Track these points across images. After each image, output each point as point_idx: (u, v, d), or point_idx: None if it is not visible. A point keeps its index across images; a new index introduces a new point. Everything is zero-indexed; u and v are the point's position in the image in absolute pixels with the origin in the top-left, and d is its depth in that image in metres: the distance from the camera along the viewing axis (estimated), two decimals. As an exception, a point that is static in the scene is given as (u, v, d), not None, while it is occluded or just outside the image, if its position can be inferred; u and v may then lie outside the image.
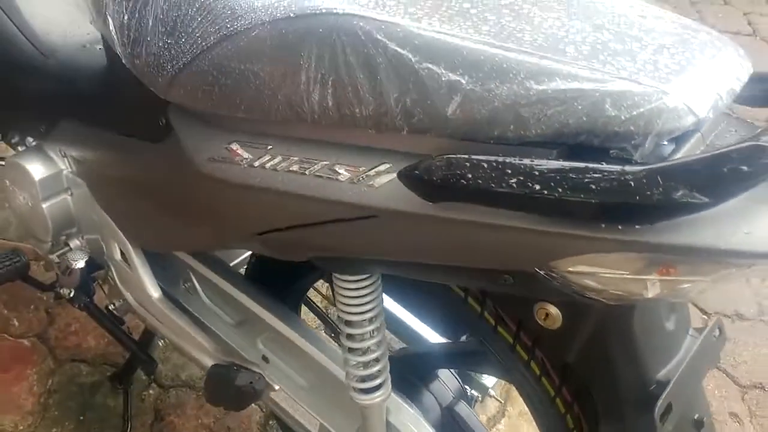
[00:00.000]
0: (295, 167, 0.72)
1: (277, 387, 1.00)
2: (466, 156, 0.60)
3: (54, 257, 1.23)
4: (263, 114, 0.73)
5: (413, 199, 0.64)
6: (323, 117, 0.69)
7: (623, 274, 0.61)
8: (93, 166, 1.10)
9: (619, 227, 0.57)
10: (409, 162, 0.64)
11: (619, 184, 0.55)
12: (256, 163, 0.75)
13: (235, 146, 0.77)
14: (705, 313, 1.87)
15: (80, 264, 1.16)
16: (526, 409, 0.91)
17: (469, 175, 0.59)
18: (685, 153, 0.60)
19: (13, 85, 1.18)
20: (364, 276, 0.83)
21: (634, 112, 0.57)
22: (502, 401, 1.36)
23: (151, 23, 0.81)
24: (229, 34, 0.73)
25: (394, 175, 0.66)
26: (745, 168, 0.54)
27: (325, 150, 0.71)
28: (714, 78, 0.61)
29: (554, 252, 0.62)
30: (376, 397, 0.91)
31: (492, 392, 1.13)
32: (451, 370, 1.07)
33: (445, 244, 0.66)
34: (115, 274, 1.15)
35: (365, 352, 0.88)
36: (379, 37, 0.64)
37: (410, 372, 1.02)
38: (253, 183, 0.75)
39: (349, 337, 0.88)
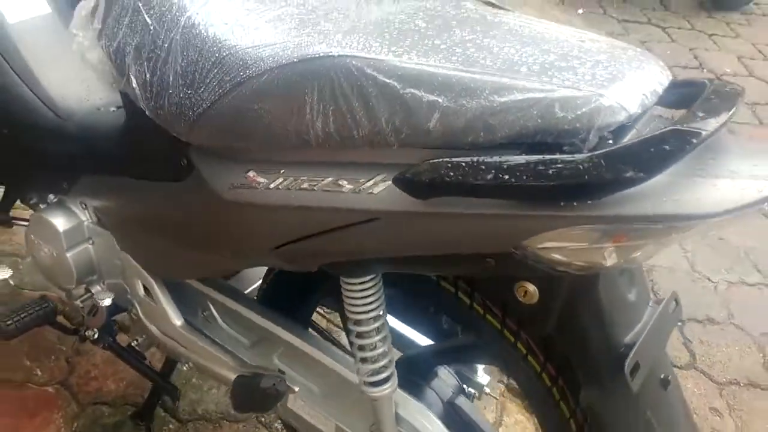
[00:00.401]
0: (305, 185, 0.86)
1: (296, 389, 1.12)
2: (447, 159, 0.74)
3: (78, 302, 1.35)
4: (275, 144, 0.87)
5: (407, 199, 0.78)
6: (326, 141, 0.83)
7: (583, 245, 0.75)
8: (115, 213, 1.22)
9: (575, 204, 0.71)
10: (400, 170, 0.78)
11: (571, 169, 0.70)
12: (272, 186, 0.89)
13: (252, 174, 0.91)
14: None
15: (107, 302, 1.28)
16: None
17: (451, 174, 0.74)
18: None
19: (34, 149, 1.31)
20: (368, 278, 0.96)
21: (578, 112, 0.72)
22: (498, 398, 1.47)
23: (171, 78, 0.95)
24: (242, 81, 0.88)
25: (390, 182, 0.80)
26: (667, 147, 0.69)
27: (329, 168, 0.85)
28: (639, 83, 0.76)
29: (525, 232, 0.75)
30: (385, 389, 1.03)
31: (487, 389, 1.25)
32: (449, 368, 1.19)
33: (436, 236, 0.80)
34: (139, 310, 1.26)
35: (373, 347, 1.01)
36: (369, 71, 0.79)
37: (411, 372, 1.14)
38: (270, 202, 0.89)
39: (358, 335, 1.01)
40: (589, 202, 0.71)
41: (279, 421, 1.58)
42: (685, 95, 0.81)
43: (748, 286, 2.15)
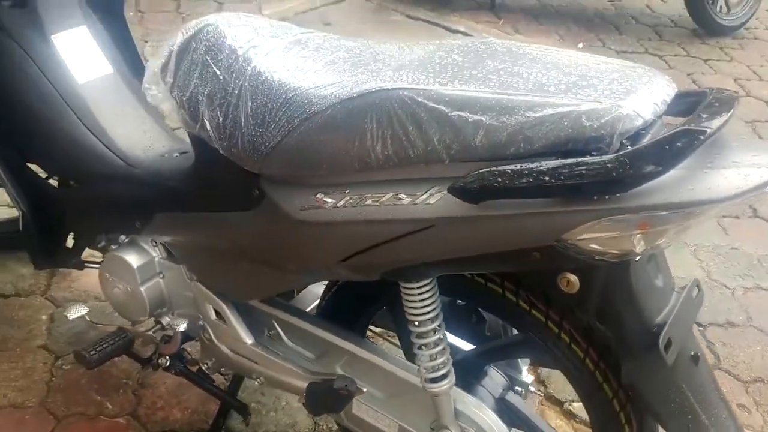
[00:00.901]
0: (369, 201, 1.00)
1: (365, 389, 1.23)
2: (495, 167, 0.88)
3: (150, 333, 1.48)
4: (340, 169, 1.01)
5: (461, 205, 0.92)
6: (386, 162, 0.97)
7: (615, 234, 0.88)
8: (188, 245, 1.36)
9: (606, 197, 0.85)
10: (452, 182, 0.92)
11: (600, 168, 0.84)
12: (339, 204, 1.03)
13: (320, 196, 1.05)
14: (700, 324, 2.11)
15: (182, 327, 1.41)
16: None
17: (499, 179, 0.88)
18: (641, 146, 0.89)
19: (107, 196, 1.46)
20: (426, 281, 1.09)
21: (602, 121, 0.86)
22: (537, 405, 1.57)
23: (243, 120, 1.10)
24: (308, 116, 1.02)
25: (444, 192, 0.94)
26: (679, 144, 0.83)
27: (389, 185, 0.99)
28: (651, 94, 0.90)
29: (565, 226, 0.89)
30: (444, 384, 1.15)
31: (532, 388, 1.36)
32: (496, 368, 1.31)
33: (488, 235, 0.93)
34: (211, 333, 1.39)
35: (432, 346, 1.13)
36: (419, 99, 0.94)
37: (463, 373, 1.25)
38: (337, 219, 1.03)
39: (419, 335, 1.13)
40: (617, 195, 0.85)
41: (335, 437, 1.69)
42: (689, 103, 0.95)
43: (764, 290, 2.26)
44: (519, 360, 1.34)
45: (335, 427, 1.71)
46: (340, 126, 1.00)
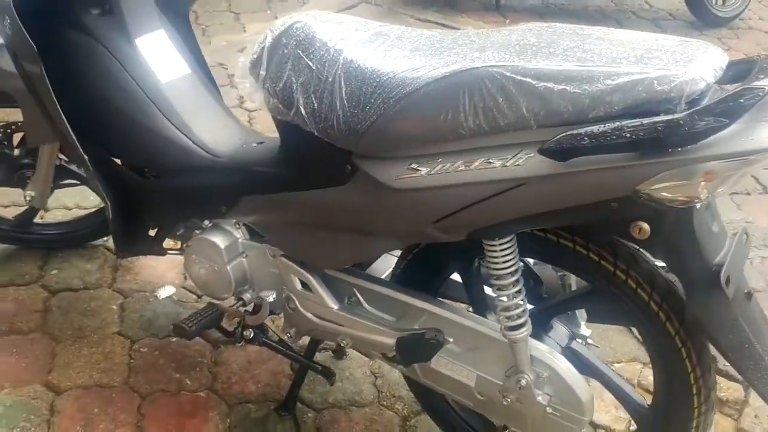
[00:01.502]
0: (461, 167, 1.15)
1: (450, 339, 1.37)
2: (580, 129, 1.03)
3: (236, 308, 1.61)
4: (433, 140, 1.16)
5: (551, 163, 1.06)
6: (477, 131, 1.12)
7: (685, 182, 1.03)
8: (274, 223, 1.50)
9: (679, 149, 1.00)
10: (539, 146, 1.07)
11: (674, 123, 0.98)
12: (433, 171, 1.17)
13: (414, 165, 1.19)
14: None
15: (271, 297, 1.54)
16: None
17: (585, 138, 1.02)
18: (704, 105, 1.04)
19: (193, 185, 1.59)
20: (508, 238, 1.24)
21: (672, 85, 1.01)
22: (598, 346, 1.70)
23: (338, 104, 1.24)
24: (403, 96, 1.17)
25: (532, 154, 1.08)
26: (741, 101, 0.98)
27: (480, 152, 1.13)
28: (709, 62, 1.05)
29: (641, 177, 1.04)
30: (523, 332, 1.29)
31: (590, 340, 1.50)
32: (560, 322, 1.45)
33: (574, 189, 1.08)
34: (297, 303, 1.52)
35: (513, 296, 1.28)
36: (508, 74, 1.08)
37: (533, 325, 1.39)
38: (432, 184, 1.17)
39: (500, 288, 1.28)
40: (689, 147, 1.00)
41: (400, 403, 1.82)
42: (741, 70, 1.10)
43: (780, 258, 2.43)
44: (578, 316, 1.48)
45: (398, 393, 1.85)
46: (434, 102, 1.14)
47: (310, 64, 1.28)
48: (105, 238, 2.27)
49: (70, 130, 1.56)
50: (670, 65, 1.04)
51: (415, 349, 1.36)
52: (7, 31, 1.56)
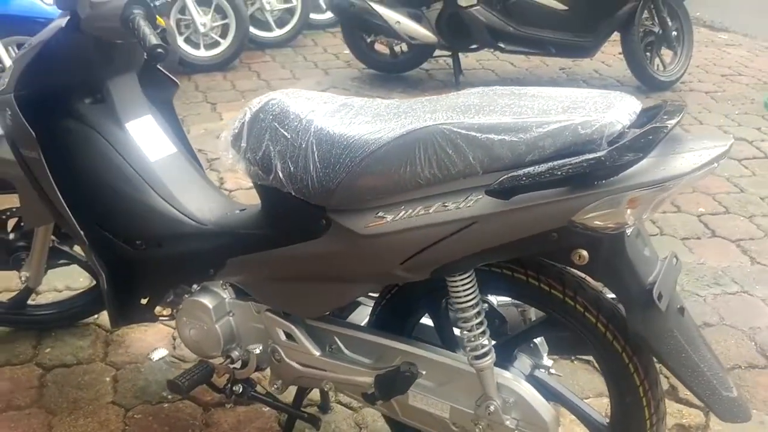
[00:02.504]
0: (421, 212, 1.31)
1: (424, 372, 1.50)
2: (519, 171, 1.20)
3: (225, 365, 1.73)
4: (396, 190, 1.33)
5: (496, 202, 1.24)
6: (432, 180, 1.29)
7: (612, 210, 1.20)
8: (258, 279, 1.64)
9: (603, 182, 1.18)
10: (486, 188, 1.24)
11: (596, 161, 1.17)
12: (397, 218, 1.33)
13: (381, 213, 1.36)
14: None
15: (257, 350, 1.66)
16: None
17: (524, 179, 1.20)
18: (621, 145, 1.23)
19: (182, 251, 1.74)
20: (467, 274, 1.39)
21: (593, 128, 1.20)
22: (561, 375, 1.82)
23: (311, 166, 1.41)
24: (367, 154, 1.34)
25: (481, 196, 1.25)
26: (651, 137, 1.16)
27: (436, 198, 1.31)
28: (624, 108, 1.25)
29: (575, 208, 1.21)
30: (487, 359, 1.43)
31: (552, 370, 1.64)
32: (523, 353, 1.59)
33: (518, 223, 1.25)
34: (282, 353, 1.64)
35: (476, 327, 1.42)
36: (455, 129, 1.27)
37: (497, 358, 1.53)
38: (397, 228, 1.34)
39: (464, 320, 1.42)
40: (611, 179, 1.18)
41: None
42: (651, 115, 1.29)
43: (730, 295, 2.59)
44: (540, 349, 1.62)
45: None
46: (394, 158, 1.32)
47: (286, 134, 1.46)
48: (96, 316, 2.39)
49: (67, 209, 1.71)
50: (591, 112, 1.23)
51: (391, 383, 1.48)
52: (7, 122, 1.73)
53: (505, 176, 1.22)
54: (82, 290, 2.41)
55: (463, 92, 1.44)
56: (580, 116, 1.23)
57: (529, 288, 1.42)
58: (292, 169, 1.44)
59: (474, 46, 4.79)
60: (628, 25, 4.46)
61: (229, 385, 1.76)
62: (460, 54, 4.88)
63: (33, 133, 1.66)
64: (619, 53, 4.82)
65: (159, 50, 1.48)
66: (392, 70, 5.11)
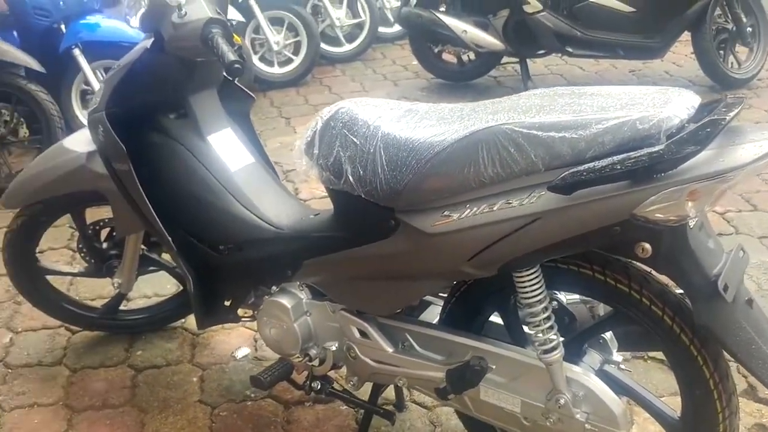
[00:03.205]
0: (486, 210, 1.37)
1: (494, 366, 1.54)
2: (581, 167, 1.25)
3: (302, 363, 1.82)
4: (461, 190, 1.39)
5: (558, 198, 1.28)
6: (496, 179, 1.35)
7: (672, 203, 1.23)
8: (333, 280, 1.72)
9: (662, 175, 1.21)
10: (548, 185, 1.29)
11: (657, 154, 1.20)
12: (463, 216, 1.39)
13: (447, 213, 1.42)
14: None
15: (333, 347, 1.75)
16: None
17: (584, 174, 1.24)
18: (681, 139, 1.25)
19: (262, 255, 1.84)
20: (534, 269, 1.44)
21: (651, 123, 1.23)
22: (631, 371, 1.83)
23: (379, 169, 1.48)
24: (432, 156, 1.41)
25: (543, 192, 1.30)
26: (709, 130, 1.19)
27: (500, 196, 1.36)
28: (682, 103, 1.27)
29: (636, 202, 1.24)
30: (556, 354, 1.47)
31: (622, 366, 1.65)
32: (593, 349, 1.61)
33: (580, 218, 1.29)
34: (357, 350, 1.72)
35: (544, 322, 1.46)
36: (517, 129, 1.32)
37: (566, 354, 1.56)
38: (462, 226, 1.39)
39: (532, 315, 1.46)
40: (670, 172, 1.21)
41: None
42: (710, 109, 1.31)
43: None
44: (609, 345, 1.64)
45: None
46: (458, 158, 1.38)
47: (355, 140, 1.54)
48: (182, 320, 2.53)
49: (156, 217, 1.84)
50: (649, 108, 1.26)
51: (462, 377, 1.53)
52: (100, 138, 1.87)
53: (567, 172, 1.26)
54: (169, 296, 2.56)
55: (523, 94, 1.49)
56: (638, 112, 1.26)
57: (596, 283, 1.45)
58: (361, 172, 1.52)
59: (541, 52, 4.80)
60: (699, 23, 4.38)
61: (308, 381, 1.84)
62: (528, 60, 4.89)
63: (124, 148, 1.80)
64: (691, 53, 4.73)
65: (236, 65, 1.59)
66: (460, 79, 5.16)
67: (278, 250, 1.81)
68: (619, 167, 1.22)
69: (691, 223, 1.31)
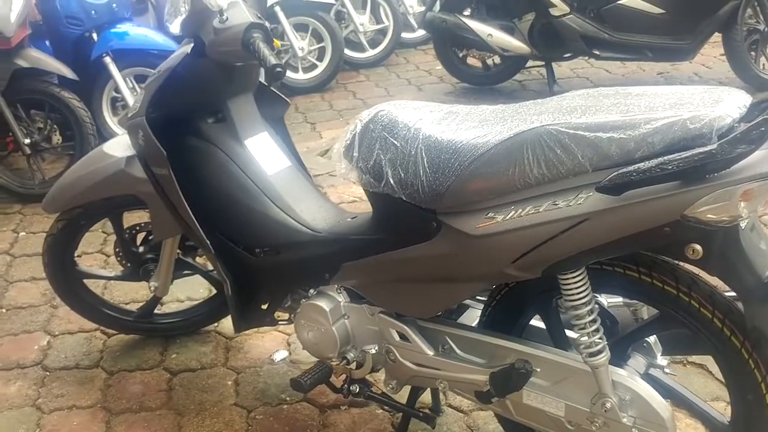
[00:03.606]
0: (531, 211, 1.36)
1: (538, 369, 1.53)
2: (630, 167, 1.23)
3: (341, 366, 1.81)
4: (505, 191, 1.37)
5: (607, 198, 1.27)
6: (541, 180, 1.33)
7: (725, 203, 1.21)
8: (372, 282, 1.71)
9: (715, 175, 1.19)
10: (595, 186, 1.27)
11: (708, 154, 1.18)
12: (507, 217, 1.38)
13: (491, 214, 1.41)
14: None
15: (373, 350, 1.74)
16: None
17: (634, 174, 1.22)
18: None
19: (299, 258, 1.84)
20: (579, 271, 1.42)
21: (702, 123, 1.21)
22: (675, 375, 1.81)
23: (421, 171, 1.48)
24: (476, 158, 1.40)
25: (591, 193, 1.29)
26: (762, 129, 1.17)
27: (546, 197, 1.34)
28: (733, 102, 1.26)
29: (687, 202, 1.22)
30: (602, 357, 1.45)
31: (667, 370, 1.63)
32: (637, 353, 1.59)
33: (630, 219, 1.27)
34: (396, 353, 1.71)
35: (590, 325, 1.44)
36: (563, 129, 1.31)
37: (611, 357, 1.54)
38: (508, 228, 1.38)
39: (578, 318, 1.45)
40: (723, 172, 1.19)
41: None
42: (762, 108, 1.29)
43: None
44: (654, 348, 1.62)
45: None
46: (503, 160, 1.37)
47: (395, 142, 1.53)
48: (215, 324, 2.53)
49: (195, 220, 1.85)
50: (699, 107, 1.25)
51: (507, 380, 1.52)
52: (140, 142, 1.89)
53: (616, 173, 1.25)
54: (203, 300, 2.57)
55: (566, 94, 1.48)
56: (688, 111, 1.24)
57: (642, 285, 1.44)
58: (402, 175, 1.51)
59: (568, 55, 4.77)
60: (729, 24, 4.33)
61: (346, 385, 1.84)
62: (553, 63, 4.87)
63: (164, 152, 1.81)
64: (721, 54, 4.68)
65: (278, 69, 1.60)
66: (485, 83, 5.15)
67: (316, 253, 1.81)
68: (670, 167, 1.20)
69: (743, 224, 1.29)
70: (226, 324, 2.53)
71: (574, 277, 1.43)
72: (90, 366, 2.40)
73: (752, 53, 4.49)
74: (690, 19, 4.32)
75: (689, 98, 1.29)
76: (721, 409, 2.04)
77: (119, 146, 2.05)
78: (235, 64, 1.85)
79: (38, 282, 2.89)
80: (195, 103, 1.91)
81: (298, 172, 1.99)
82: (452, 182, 1.44)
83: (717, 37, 4.50)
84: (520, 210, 1.38)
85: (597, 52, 4.54)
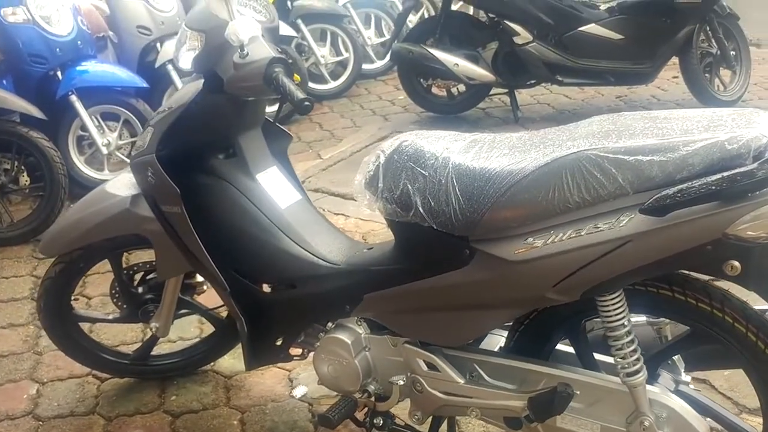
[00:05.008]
0: (573, 234, 1.37)
1: (578, 392, 1.54)
2: (673, 188, 1.26)
3: (363, 399, 1.79)
4: (545, 216, 1.39)
5: (651, 219, 1.29)
6: (582, 204, 1.36)
7: (764, 220, 1.25)
8: (396, 313, 1.70)
9: (757, 193, 1.23)
10: (637, 208, 1.30)
11: (748, 173, 1.22)
12: (548, 242, 1.40)
13: (530, 239, 1.42)
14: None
15: (401, 381, 1.72)
16: None
17: (678, 196, 1.26)
18: (767, 158, 1.28)
19: (320, 292, 1.81)
20: (618, 293, 1.44)
21: (740, 143, 1.26)
22: (699, 389, 1.84)
23: (453, 200, 1.48)
24: (513, 184, 1.41)
25: (634, 215, 1.31)
26: (802, 149, 1.22)
27: (587, 220, 1.37)
28: (765, 123, 1.30)
29: (728, 221, 1.26)
30: (640, 375, 1.47)
31: (691, 386, 1.66)
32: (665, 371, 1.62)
33: (674, 239, 1.30)
34: (424, 383, 1.70)
35: (629, 345, 1.46)
36: (602, 154, 1.34)
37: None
38: (548, 252, 1.40)
39: (616, 339, 1.47)
40: (765, 190, 1.23)
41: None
42: None
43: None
44: (678, 365, 1.65)
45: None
46: (541, 185, 1.39)
47: (423, 172, 1.54)
48: (212, 363, 2.47)
49: (209, 257, 1.81)
50: (735, 129, 1.29)
51: (549, 404, 1.52)
52: (149, 180, 1.85)
53: (659, 194, 1.28)
54: (201, 338, 2.51)
55: (590, 120, 1.51)
56: (725, 133, 1.29)
57: (676, 303, 1.47)
58: (432, 204, 1.52)
59: (532, 82, 4.88)
60: (685, 48, 4.52)
61: (368, 418, 1.81)
62: (515, 90, 4.97)
63: (177, 190, 1.77)
64: (674, 77, 4.86)
65: (306, 103, 1.59)
66: (450, 112, 5.21)
67: (335, 286, 1.79)
68: (713, 187, 1.24)
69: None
70: (223, 363, 2.48)
71: (612, 299, 1.45)
72: (86, 413, 2.30)
73: (707, 75, 4.67)
74: (649, 45, 4.48)
75: (720, 120, 1.34)
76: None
77: (122, 185, 2.01)
78: (247, 99, 1.83)
79: (17, 328, 2.78)
80: (206, 140, 1.88)
81: (309, 204, 1.97)
82: (488, 209, 1.45)
83: (671, 60, 4.68)
84: (560, 234, 1.39)
85: (560, 78, 4.66)
